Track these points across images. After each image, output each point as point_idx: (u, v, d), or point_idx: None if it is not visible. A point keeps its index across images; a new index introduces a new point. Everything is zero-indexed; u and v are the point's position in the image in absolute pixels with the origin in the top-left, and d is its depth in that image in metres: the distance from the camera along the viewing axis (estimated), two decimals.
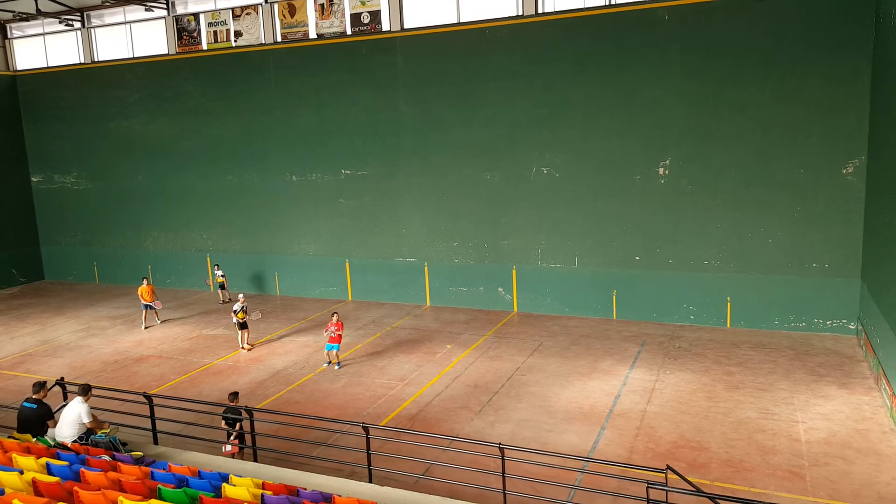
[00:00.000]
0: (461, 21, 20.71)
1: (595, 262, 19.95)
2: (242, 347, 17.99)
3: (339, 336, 16.21)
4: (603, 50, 18.90)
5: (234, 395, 11.61)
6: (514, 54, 19.97)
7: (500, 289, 21.24)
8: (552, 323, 19.59)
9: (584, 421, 12.83)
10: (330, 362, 16.49)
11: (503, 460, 9.17)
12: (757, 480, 10.48)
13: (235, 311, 17.89)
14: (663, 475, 8.57)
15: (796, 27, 16.91)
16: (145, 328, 20.60)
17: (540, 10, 19.70)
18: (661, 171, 18.82)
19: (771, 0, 17.05)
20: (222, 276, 23.88)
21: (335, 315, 16.37)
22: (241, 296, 18.39)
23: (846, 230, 17.12)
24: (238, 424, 11.08)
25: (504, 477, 9.19)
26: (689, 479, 9.18)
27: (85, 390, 10.20)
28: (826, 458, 11.06)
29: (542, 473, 9.84)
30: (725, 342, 17.25)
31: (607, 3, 18.94)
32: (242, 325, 17.94)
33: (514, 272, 20.98)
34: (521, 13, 19.90)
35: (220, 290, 23.94)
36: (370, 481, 9.77)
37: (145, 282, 20.96)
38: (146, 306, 20.71)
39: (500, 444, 9.21)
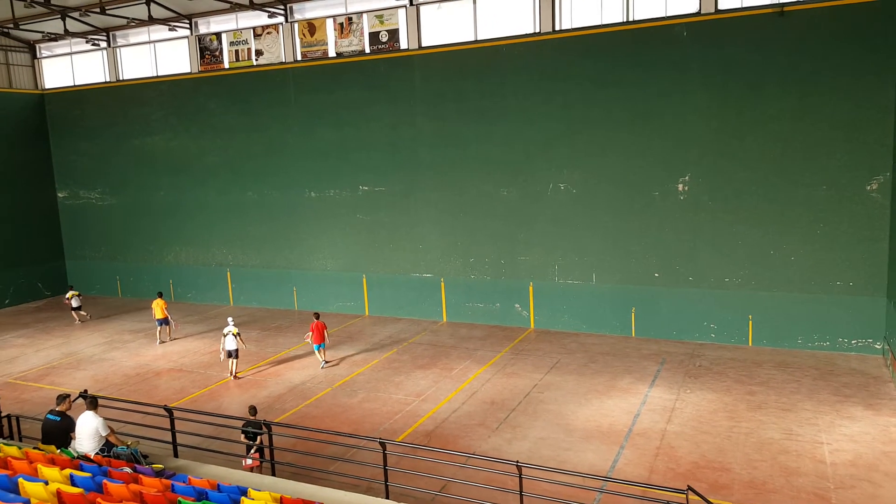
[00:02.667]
0: (478, 39, 20.86)
1: (613, 278, 19.80)
2: (234, 375, 17.11)
3: (320, 336, 17.46)
4: (621, 66, 18.90)
5: (254, 410, 11.71)
6: (531, 71, 20.04)
7: (517, 305, 21.14)
8: (570, 340, 19.44)
9: (603, 440, 12.67)
10: (324, 362, 17.65)
11: (521, 478, 9.08)
12: (780, 503, 10.25)
13: (235, 333, 16.96)
14: (684, 496, 8.44)
15: (818, 42, 16.79)
16: (160, 343, 20.73)
17: (557, 28, 19.78)
18: (680, 187, 18.69)
19: (792, 15, 16.97)
20: (75, 295, 24.11)
21: (318, 315, 17.87)
22: (230, 319, 17.55)
23: (871, 248, 16.83)
24: (258, 438, 11.14)
25: (522, 495, 9.10)
26: (711, 500, 9.00)
27: (94, 403, 10.29)
28: (852, 481, 10.80)
29: (560, 492, 9.71)
30: (747, 361, 16.97)
31: (625, 20, 18.97)
32: (233, 354, 16.97)
33: (530, 288, 20.89)
34: (538, 30, 20.00)
35: (75, 310, 24.03)
36: (387, 497, 9.73)
37: (160, 297, 21.06)
38: (160, 322, 20.74)
39: (517, 461, 9.14)
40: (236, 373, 17.21)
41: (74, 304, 24.01)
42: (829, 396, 14.40)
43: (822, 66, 16.78)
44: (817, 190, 17.21)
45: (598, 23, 19.29)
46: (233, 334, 16.98)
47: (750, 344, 18.28)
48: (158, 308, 20.67)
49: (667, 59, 18.35)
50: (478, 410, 14.30)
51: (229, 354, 16.98)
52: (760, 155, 17.68)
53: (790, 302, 17.77)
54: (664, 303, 19.18)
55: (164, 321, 20.77)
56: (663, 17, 18.38)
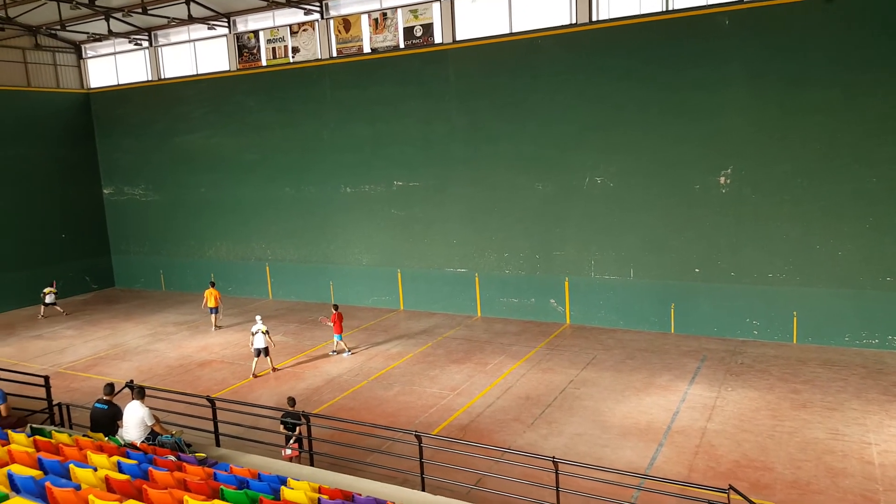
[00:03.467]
0: (513, 31, 20.69)
1: (652, 274, 19.47)
2: (274, 368, 17.26)
3: (337, 326, 18.10)
4: (660, 56, 18.53)
5: (293, 401, 11.90)
6: (566, 63, 19.80)
7: (552, 300, 20.97)
8: (606, 336, 19.20)
9: (641, 437, 12.48)
10: (349, 351, 18.22)
11: (557, 474, 9.01)
12: None
13: (263, 332, 16.86)
14: (725, 495, 8.26)
15: (867, 27, 16.16)
16: (216, 329, 21.67)
17: (594, 18, 19.49)
18: (722, 179, 18.26)
19: (839, 2, 16.39)
20: (52, 292, 24.76)
21: (337, 307, 18.49)
22: (258, 317, 17.55)
23: None
24: (297, 429, 11.30)
25: (558, 491, 9.03)
26: (753, 500, 8.79)
27: (141, 393, 10.58)
28: None
29: (597, 489, 9.62)
30: (791, 359, 16.52)
31: (664, 10, 18.59)
32: (263, 351, 16.91)
33: (566, 283, 20.69)
34: (574, 21, 19.75)
35: (47, 306, 24.64)
36: (423, 489, 9.76)
37: (212, 286, 22.04)
38: (213, 310, 21.69)
39: (553, 457, 9.06)
40: (274, 366, 17.38)
41: (48, 300, 24.69)
42: (878, 396, 13.91)
43: (870, 54, 16.17)
44: (866, 182, 16.61)
45: (637, 13, 18.94)
46: (261, 332, 16.85)
47: (794, 341, 17.79)
48: (211, 297, 21.60)
49: (707, 48, 17.92)
50: (513, 405, 14.24)
51: (257, 353, 16.89)
52: (805, 147, 17.15)
53: (837, 298, 17.22)
54: (704, 299, 18.78)
55: (216, 310, 21.66)
56: (704, 6, 17.95)
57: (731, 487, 8.33)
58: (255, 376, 16.97)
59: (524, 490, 9.85)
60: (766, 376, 15.38)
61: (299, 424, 11.41)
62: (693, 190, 18.61)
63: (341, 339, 18.38)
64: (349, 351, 18.42)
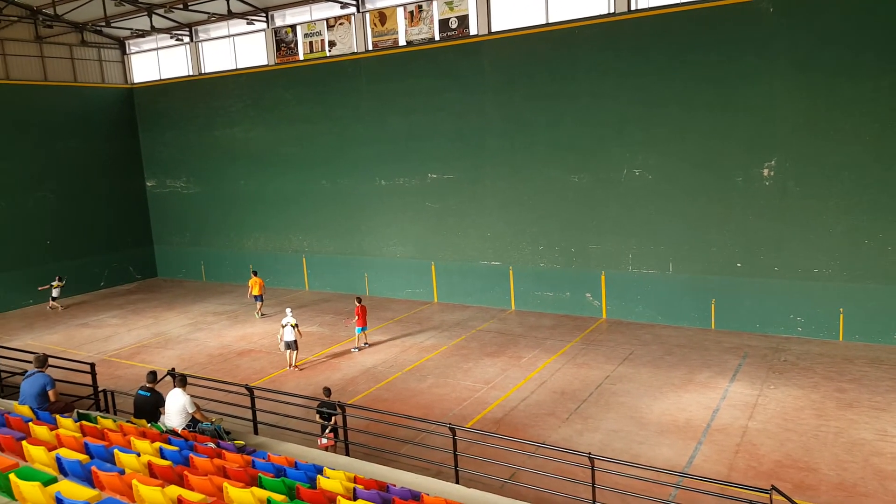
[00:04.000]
0: (549, 22, 20.43)
1: (691, 268, 19.07)
2: (295, 366, 16.96)
3: (361, 319, 18.11)
4: (701, 45, 18.08)
5: (328, 391, 12.02)
6: (604, 52, 19.47)
7: (588, 294, 20.71)
8: (644, 331, 18.89)
9: (679, 434, 12.25)
10: (366, 344, 18.31)
11: (593, 470, 8.88)
12: None
13: (293, 325, 16.73)
14: (768, 496, 8.03)
15: None
16: (262, 316, 22.27)
17: (633, 7, 19.10)
18: (765, 171, 17.75)
19: None
20: (59, 286, 25.08)
21: (360, 300, 18.40)
22: (288, 310, 17.44)
23: None
24: (332, 419, 11.40)
25: (594, 487, 8.91)
26: (796, 501, 8.53)
27: (183, 381, 10.77)
28: None
29: (633, 486, 9.47)
30: (837, 357, 16.01)
31: None
32: (291, 346, 16.80)
33: (602, 277, 20.41)
34: (612, 10, 19.38)
35: (54, 299, 25.14)
36: (457, 482, 9.75)
37: (255, 275, 22.71)
38: (257, 298, 22.36)
39: (589, 453, 8.94)
40: (295, 364, 16.97)
41: (55, 293, 25.15)
42: None
43: None
44: None
45: (678, 1, 18.49)
46: (291, 325, 16.68)
47: (840, 339, 17.23)
48: (256, 285, 22.33)
49: (750, 36, 17.39)
50: (547, 400, 14.12)
51: (287, 346, 16.76)
52: (854, 137, 16.54)
53: (886, 294, 16.60)
54: (747, 294, 18.32)
55: (260, 297, 22.37)
56: None
57: (774, 488, 8.09)
58: (294, 367, 16.90)
59: (559, 485, 9.76)
60: (810, 374, 14.94)
61: (335, 414, 11.51)
62: (735, 183, 18.14)
63: (362, 332, 18.26)
64: (366, 343, 18.41)
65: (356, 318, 18.14)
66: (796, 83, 17.02)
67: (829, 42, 16.51)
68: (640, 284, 19.85)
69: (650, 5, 18.90)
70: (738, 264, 18.37)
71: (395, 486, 8.28)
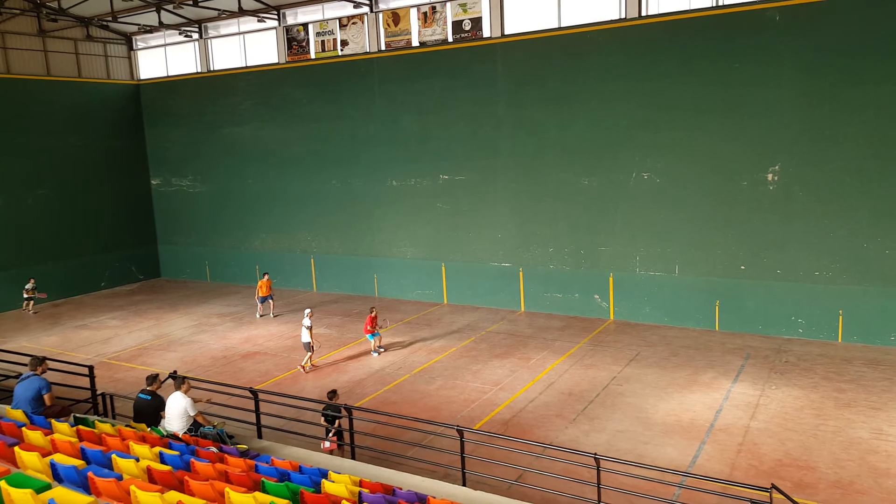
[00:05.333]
0: (562, 25, 20.61)
1: (697, 270, 19.28)
2: (302, 367, 17.02)
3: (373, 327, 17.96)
4: (709, 51, 18.25)
5: (333, 394, 11.99)
6: (615, 57, 19.65)
7: (597, 296, 20.94)
8: (650, 332, 19.12)
9: (683, 434, 12.50)
10: (382, 349, 18.23)
11: (598, 471, 9.12)
12: None
13: (307, 327, 16.93)
14: (768, 494, 8.28)
15: None
16: (260, 316, 22.38)
17: (643, 13, 19.27)
18: (770, 176, 17.94)
19: None
20: (32, 289, 24.43)
21: (373, 310, 18.41)
22: (308, 311, 17.47)
23: None
24: (336, 422, 11.40)
25: (599, 488, 9.14)
26: (795, 499, 8.78)
27: (182, 383, 10.53)
28: None
29: (638, 486, 9.72)
30: (837, 358, 16.24)
31: (714, 4, 18.27)
32: (306, 346, 17.04)
33: (610, 279, 20.63)
34: (623, 16, 19.55)
35: (27, 303, 24.41)
36: (464, 484, 9.91)
37: (266, 276, 22.72)
38: (263, 299, 22.46)
39: (595, 454, 9.16)
40: (303, 365, 17.02)
41: (28, 296, 24.42)
42: None
43: None
44: None
45: (687, 7, 18.66)
46: (304, 327, 16.94)
47: (839, 340, 17.44)
48: (263, 286, 22.39)
49: (757, 44, 17.57)
50: (555, 401, 14.37)
51: (305, 347, 17.05)
52: (856, 144, 16.73)
53: (884, 297, 16.83)
54: (750, 296, 18.54)
55: (265, 298, 22.50)
56: (754, 2, 17.59)
57: (774, 486, 8.33)
58: (301, 368, 17.07)
59: (565, 486, 9.99)
60: (810, 375, 15.17)
61: (339, 417, 11.39)
62: (741, 187, 18.34)
63: (373, 339, 18.05)
64: (380, 349, 18.26)
65: (380, 322, 18.46)
66: (801, 89, 17.21)
67: (832, 49, 16.70)
68: (647, 286, 20.07)
69: (660, 11, 19.07)
70: (742, 267, 18.57)
71: (401, 489, 8.25)
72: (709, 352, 17.18)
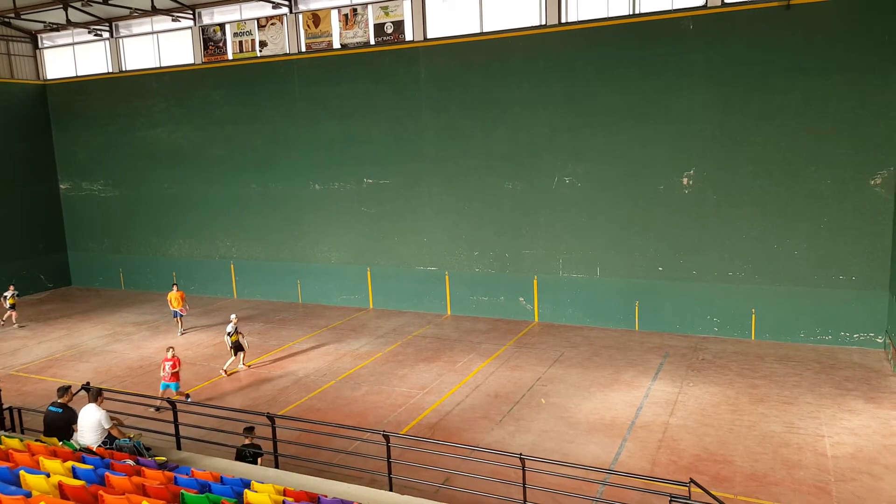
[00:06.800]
0: (484, 31, 20.79)
1: (617, 272, 19.81)
2: (241, 366, 17.16)
3: (177, 374, 14.69)
4: (627, 59, 18.85)
5: (250, 431, 10.80)
6: (536, 63, 19.99)
7: (521, 298, 21.17)
8: (574, 333, 19.48)
9: (606, 433, 12.73)
10: (161, 404, 13.39)
11: (524, 471, 9.13)
12: (782, 495, 10.31)
13: (229, 332, 16.91)
14: (686, 489, 8.50)
15: (824, 36, 16.72)
16: (182, 334, 20.81)
17: (563, 20, 19.71)
18: (685, 180, 18.67)
19: (798, 9, 16.89)
20: (12, 296, 22.97)
21: (170, 350, 14.94)
22: (233, 316, 17.44)
23: (874, 242, 16.82)
24: (258, 460, 10.61)
25: (525, 488, 9.15)
26: (712, 493, 9.05)
27: (96, 395, 10.14)
28: (853, 474, 10.85)
29: (563, 485, 9.79)
30: (750, 355, 17.01)
31: (631, 13, 18.89)
32: (238, 347, 17.00)
33: (535, 282, 20.91)
34: (543, 23, 19.94)
35: (10, 311, 22.73)
36: (391, 489, 9.78)
37: (175, 288, 21.01)
38: (175, 314, 20.90)
39: (520, 454, 9.18)
40: (225, 368, 16.88)
41: (8, 304, 22.75)
42: (831, 390, 14.43)
43: (827, 60, 16.72)
44: (821, 184, 17.19)
45: (605, 15, 19.21)
46: (227, 334, 16.95)
47: (753, 338, 18.31)
48: (174, 299, 20.69)
49: (672, 52, 18.29)
50: (481, 403, 14.36)
51: (237, 349, 17.05)
52: (765, 149, 17.65)
53: (793, 296, 17.79)
54: (668, 296, 19.21)
55: (178, 313, 20.85)
56: (669, 11, 18.31)
57: (693, 481, 8.57)
58: (223, 371, 16.88)
59: (492, 487, 9.98)
60: (725, 372, 15.81)
61: (262, 454, 10.67)
62: (658, 191, 18.99)
63: (169, 388, 14.67)
64: (188, 396, 15.11)
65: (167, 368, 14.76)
66: (713, 97, 18.02)
67: (743, 59, 17.58)
68: (570, 288, 20.46)
69: (580, 18, 19.54)
70: (660, 268, 19.22)
71: (326, 497, 8.16)
72: (629, 351, 17.65)
